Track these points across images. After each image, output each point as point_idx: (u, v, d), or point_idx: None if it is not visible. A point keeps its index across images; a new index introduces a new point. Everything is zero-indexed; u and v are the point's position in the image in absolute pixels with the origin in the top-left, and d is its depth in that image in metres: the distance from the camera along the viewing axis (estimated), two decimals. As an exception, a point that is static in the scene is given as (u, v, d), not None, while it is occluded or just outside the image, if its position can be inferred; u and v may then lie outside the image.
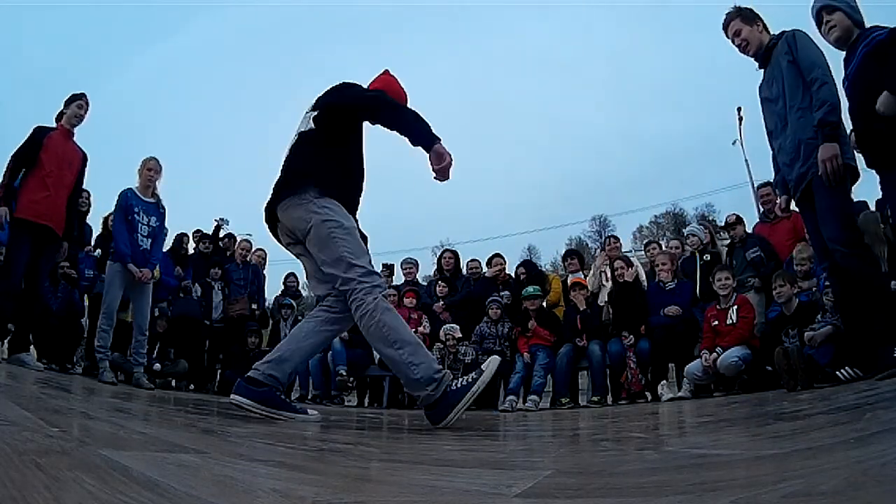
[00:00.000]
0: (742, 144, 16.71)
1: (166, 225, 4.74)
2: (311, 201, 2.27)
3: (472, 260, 6.28)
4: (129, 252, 4.23)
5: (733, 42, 3.07)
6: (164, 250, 5.23)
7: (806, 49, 2.81)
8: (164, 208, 4.60)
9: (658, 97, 70.59)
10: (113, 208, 4.56)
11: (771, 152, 3.13)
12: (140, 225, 4.37)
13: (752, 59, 3.09)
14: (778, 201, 3.25)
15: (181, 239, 6.10)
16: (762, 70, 3.09)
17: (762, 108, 3.14)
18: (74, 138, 4.18)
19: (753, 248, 4.78)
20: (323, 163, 2.34)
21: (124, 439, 1.18)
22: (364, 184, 2.51)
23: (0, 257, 4.09)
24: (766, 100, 3.08)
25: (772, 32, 3.04)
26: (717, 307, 4.26)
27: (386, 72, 2.67)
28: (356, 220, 2.42)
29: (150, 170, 4.51)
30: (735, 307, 4.15)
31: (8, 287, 3.77)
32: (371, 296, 2.18)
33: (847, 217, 2.77)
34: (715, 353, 4.02)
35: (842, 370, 2.84)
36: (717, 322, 4.20)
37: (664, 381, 4.46)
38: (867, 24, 2.67)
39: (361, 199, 2.51)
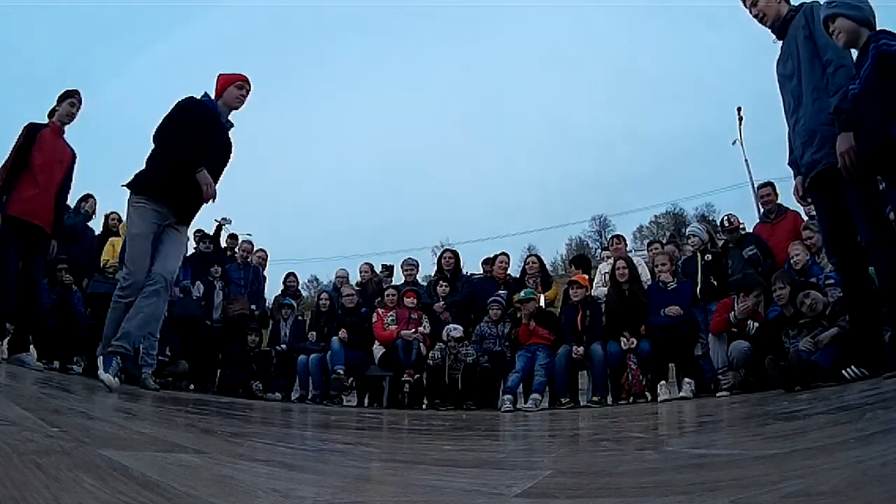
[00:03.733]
0: (742, 144, 16.64)
1: None
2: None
3: (487, 260, 6.24)
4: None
5: (750, 12, 2.93)
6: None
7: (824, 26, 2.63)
8: None
9: (658, 96, 70.64)
10: (113, 208, 4.53)
11: (787, 130, 2.96)
12: None
13: (770, 31, 2.93)
14: (793, 182, 3.04)
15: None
16: (780, 43, 2.92)
17: (779, 85, 2.97)
18: (65, 136, 4.15)
19: (750, 247, 4.76)
20: None
21: (124, 439, 1.18)
22: None
23: None
24: (781, 76, 2.93)
25: (791, 2, 2.88)
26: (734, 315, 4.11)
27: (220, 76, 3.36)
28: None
29: None
30: (754, 323, 4.05)
31: (1, 286, 3.75)
32: None
33: (877, 213, 2.61)
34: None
35: (847, 369, 2.82)
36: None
37: (663, 382, 4.45)
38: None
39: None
